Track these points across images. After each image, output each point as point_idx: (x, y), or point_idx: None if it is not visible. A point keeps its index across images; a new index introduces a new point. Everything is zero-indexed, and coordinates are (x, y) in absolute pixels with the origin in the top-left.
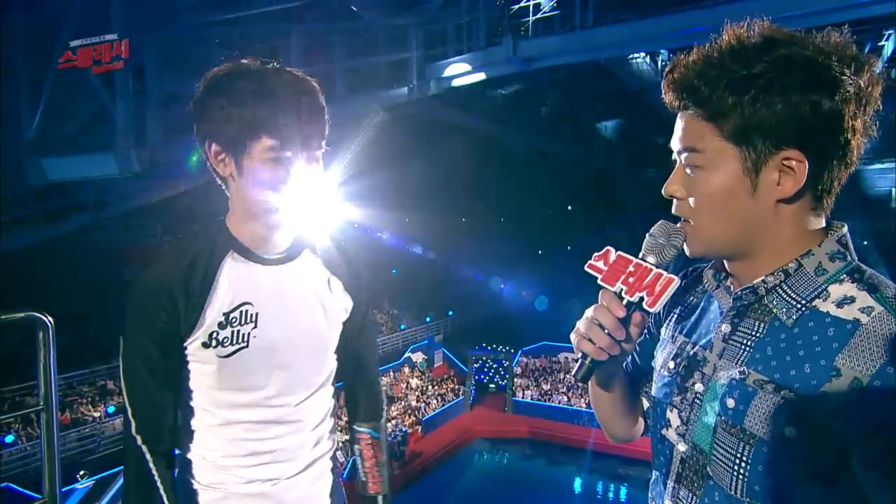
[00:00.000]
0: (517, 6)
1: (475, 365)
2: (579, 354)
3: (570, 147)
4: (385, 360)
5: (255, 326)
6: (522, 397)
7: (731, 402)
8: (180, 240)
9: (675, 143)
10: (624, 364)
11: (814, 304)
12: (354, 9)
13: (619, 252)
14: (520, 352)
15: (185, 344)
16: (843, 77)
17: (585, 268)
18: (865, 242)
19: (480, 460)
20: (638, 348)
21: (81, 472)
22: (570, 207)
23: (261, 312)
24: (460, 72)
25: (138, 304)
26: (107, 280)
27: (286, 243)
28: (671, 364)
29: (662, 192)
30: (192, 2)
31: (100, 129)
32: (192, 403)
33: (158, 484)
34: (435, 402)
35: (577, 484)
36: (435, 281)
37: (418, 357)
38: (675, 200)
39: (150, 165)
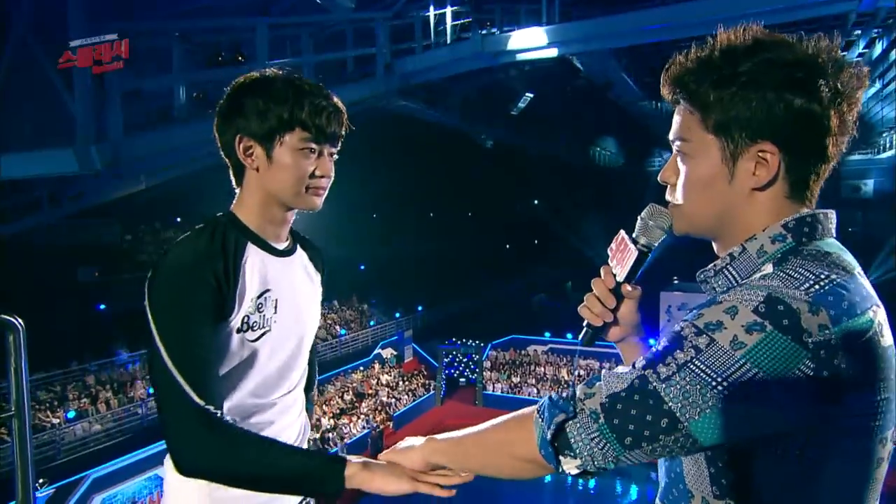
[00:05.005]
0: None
1: (445, 359)
2: (585, 322)
3: (538, 142)
4: (355, 357)
5: (276, 312)
6: (493, 390)
7: None
8: (197, 229)
9: (671, 134)
10: None
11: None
12: (320, 3)
13: (624, 234)
14: (489, 345)
15: (221, 328)
16: (819, 78)
17: (608, 250)
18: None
19: None
20: None
21: (41, 480)
22: (536, 202)
23: (280, 299)
24: (427, 66)
25: (182, 280)
26: (62, 282)
27: (287, 237)
28: None
29: (658, 178)
30: None
31: (58, 124)
32: None
33: (246, 430)
34: (406, 397)
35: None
36: (403, 276)
37: (388, 353)
38: (668, 186)
39: (112, 162)
